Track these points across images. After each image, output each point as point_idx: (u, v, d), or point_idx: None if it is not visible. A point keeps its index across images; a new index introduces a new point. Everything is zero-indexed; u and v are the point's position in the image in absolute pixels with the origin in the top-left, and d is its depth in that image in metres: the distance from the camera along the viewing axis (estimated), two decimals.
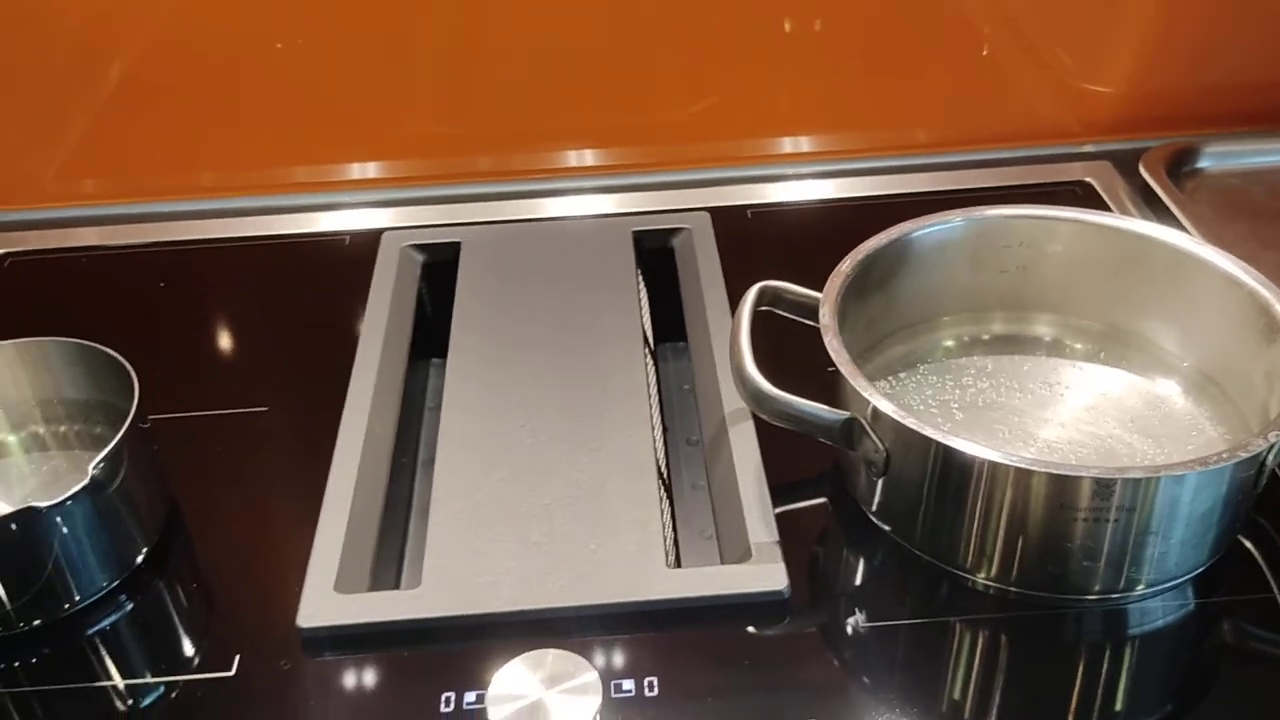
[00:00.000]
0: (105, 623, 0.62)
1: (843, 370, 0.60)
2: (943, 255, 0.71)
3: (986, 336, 0.74)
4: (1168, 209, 0.90)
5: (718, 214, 0.92)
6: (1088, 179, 0.98)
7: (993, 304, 0.73)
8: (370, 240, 0.91)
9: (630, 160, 1.02)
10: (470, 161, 1.02)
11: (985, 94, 1.02)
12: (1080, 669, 0.58)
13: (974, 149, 1.03)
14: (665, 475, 0.73)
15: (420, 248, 0.91)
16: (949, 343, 0.73)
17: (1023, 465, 0.55)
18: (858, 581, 0.64)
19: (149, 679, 0.59)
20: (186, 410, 0.76)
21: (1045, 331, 0.74)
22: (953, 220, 0.71)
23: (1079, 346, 0.73)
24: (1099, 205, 0.93)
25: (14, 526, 0.58)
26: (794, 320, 0.69)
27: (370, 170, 1.02)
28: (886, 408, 0.58)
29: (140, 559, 0.65)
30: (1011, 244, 0.71)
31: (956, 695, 0.57)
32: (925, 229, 0.70)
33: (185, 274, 0.91)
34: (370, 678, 0.59)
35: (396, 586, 0.68)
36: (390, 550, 0.69)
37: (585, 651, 0.56)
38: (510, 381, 0.76)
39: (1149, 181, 0.94)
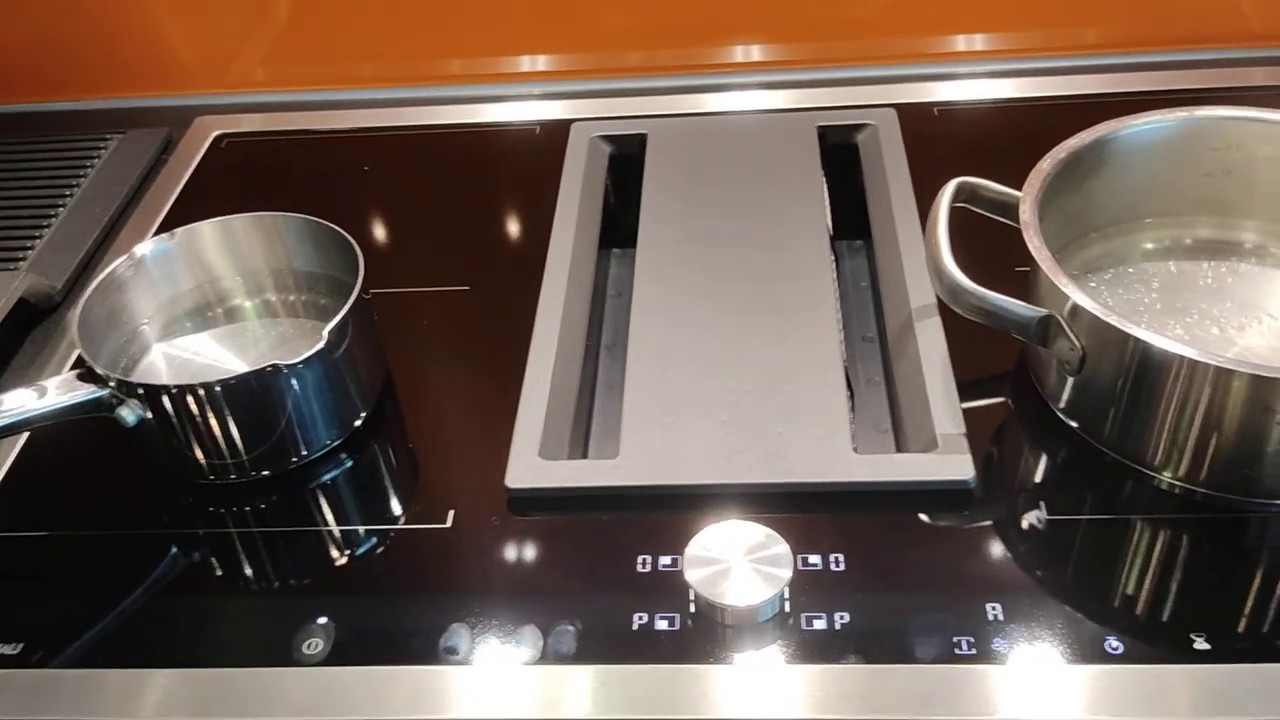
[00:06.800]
0: (329, 476, 0.68)
1: (1043, 267, 0.60)
2: (1148, 156, 0.70)
3: (1189, 241, 0.73)
4: None
5: (903, 111, 0.92)
6: None
7: (1196, 208, 0.72)
8: (558, 130, 0.94)
9: (815, 55, 1.02)
10: (655, 55, 1.03)
11: None
12: (1262, 573, 0.58)
13: (1171, 50, 1.00)
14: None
15: (608, 138, 0.93)
16: (1148, 245, 0.73)
17: (1227, 365, 0.55)
18: (1041, 476, 0.65)
19: (372, 526, 0.65)
20: (393, 286, 0.80)
21: (1250, 238, 0.72)
22: (1162, 120, 0.69)
23: None
24: None
25: (254, 383, 0.64)
26: (980, 222, 0.69)
27: (557, 62, 1.04)
28: (1087, 304, 0.58)
29: (359, 422, 0.70)
30: (1221, 147, 0.69)
31: (1132, 591, 0.58)
32: (1132, 128, 0.69)
33: (387, 158, 0.96)
34: (572, 537, 0.63)
35: (585, 456, 0.72)
36: (579, 423, 0.73)
37: (773, 527, 0.59)
38: (697, 271, 0.78)
39: None
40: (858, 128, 0.91)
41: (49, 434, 0.69)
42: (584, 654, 0.57)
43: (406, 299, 0.80)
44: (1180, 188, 0.72)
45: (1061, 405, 0.65)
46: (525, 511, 0.64)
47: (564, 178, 0.88)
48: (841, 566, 0.60)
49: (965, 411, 0.65)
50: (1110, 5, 0.99)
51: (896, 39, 1.01)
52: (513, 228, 0.87)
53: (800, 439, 0.65)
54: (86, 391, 0.64)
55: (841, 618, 0.57)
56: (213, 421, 0.64)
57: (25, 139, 1.01)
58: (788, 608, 0.57)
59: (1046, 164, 0.67)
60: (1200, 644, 0.55)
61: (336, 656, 0.58)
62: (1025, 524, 0.61)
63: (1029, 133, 0.81)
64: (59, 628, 0.61)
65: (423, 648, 0.58)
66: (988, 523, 0.62)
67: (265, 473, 0.67)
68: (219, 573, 0.64)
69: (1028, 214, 0.63)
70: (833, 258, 0.79)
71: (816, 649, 0.56)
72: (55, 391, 0.64)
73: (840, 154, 0.90)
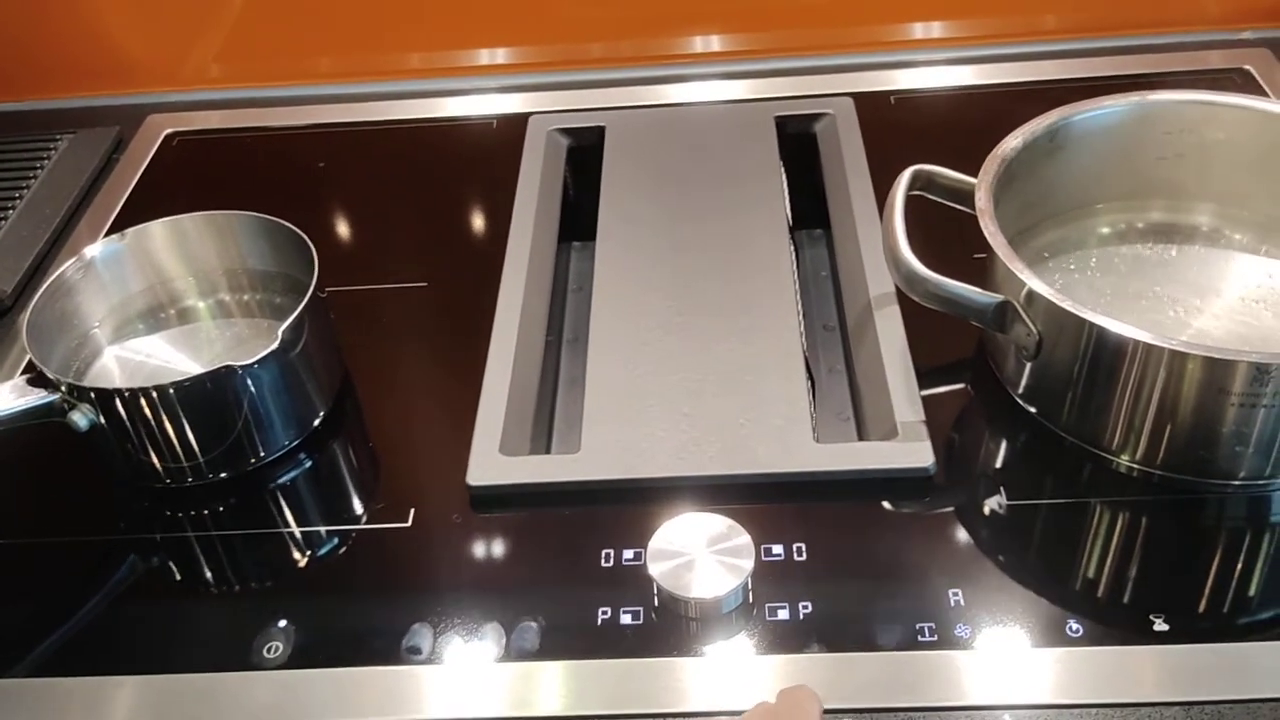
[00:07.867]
0: (287, 477, 0.67)
1: (999, 253, 0.61)
2: (1101, 141, 0.70)
3: (1142, 225, 0.73)
4: None
5: (860, 100, 0.92)
6: (1246, 66, 0.94)
7: (1150, 191, 0.72)
8: (514, 124, 0.93)
9: (772, 45, 1.02)
10: (612, 47, 1.02)
11: None
12: (1220, 553, 0.59)
13: (1125, 34, 1.00)
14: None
15: (566, 131, 0.92)
16: (1103, 229, 0.73)
17: (1180, 348, 0.55)
18: (1000, 462, 0.65)
19: (333, 526, 0.64)
20: (350, 284, 0.79)
21: (1204, 221, 0.73)
22: (1114, 105, 0.70)
23: (1238, 237, 0.72)
24: (1258, 94, 0.90)
25: (209, 384, 0.63)
26: (939, 208, 0.69)
27: (514, 55, 1.03)
28: (1042, 289, 0.58)
29: (318, 421, 0.69)
30: (1173, 130, 0.70)
31: (1092, 573, 0.59)
32: (1086, 113, 0.69)
33: (342, 155, 0.95)
34: (534, 533, 0.63)
35: (548, 452, 0.71)
36: (540, 419, 0.72)
37: (735, 518, 0.59)
38: (657, 264, 0.78)
39: None
40: (815, 117, 0.91)
41: (0, 440, 0.68)
42: (548, 650, 0.56)
43: (364, 296, 0.79)
44: (1134, 172, 0.72)
45: (1020, 391, 0.66)
46: (487, 508, 0.64)
47: (522, 171, 0.87)
48: (804, 556, 0.60)
49: (925, 399, 0.66)
50: None
51: (853, 28, 1.01)
52: (471, 223, 0.86)
53: (761, 430, 0.65)
54: (37, 396, 0.63)
55: (804, 607, 0.57)
56: (167, 424, 0.63)
57: None
58: (751, 598, 0.57)
59: (1001, 150, 0.67)
60: (1159, 625, 0.55)
61: (297, 659, 0.57)
62: (985, 509, 0.62)
63: (985, 119, 0.82)
64: (17, 637, 0.60)
65: (385, 648, 0.57)
66: (948, 509, 0.62)
67: (223, 475, 0.67)
68: (178, 577, 0.63)
69: (983, 200, 0.64)
70: (792, 248, 0.79)
71: (780, 639, 0.56)
72: (6, 396, 0.63)
73: (798, 143, 0.90)
